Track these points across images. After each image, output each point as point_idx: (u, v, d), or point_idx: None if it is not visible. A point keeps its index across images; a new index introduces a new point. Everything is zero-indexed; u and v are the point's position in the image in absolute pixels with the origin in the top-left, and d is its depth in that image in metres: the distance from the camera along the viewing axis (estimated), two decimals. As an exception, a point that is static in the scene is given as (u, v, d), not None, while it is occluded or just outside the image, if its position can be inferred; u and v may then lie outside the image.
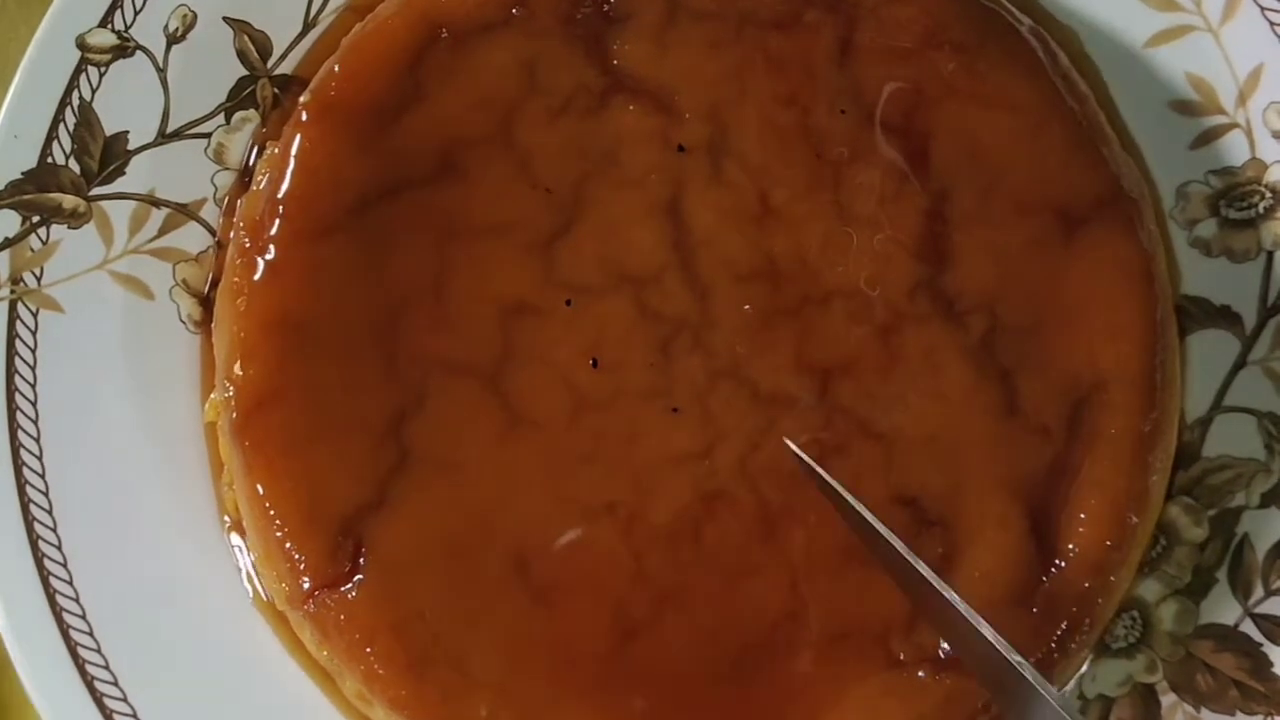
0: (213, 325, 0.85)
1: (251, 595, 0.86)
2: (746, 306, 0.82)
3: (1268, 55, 0.88)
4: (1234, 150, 0.89)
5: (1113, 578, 0.81)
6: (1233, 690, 0.85)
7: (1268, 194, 0.88)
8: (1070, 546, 0.80)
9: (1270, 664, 0.86)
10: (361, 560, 0.79)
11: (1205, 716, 0.85)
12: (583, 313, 0.81)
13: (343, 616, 0.79)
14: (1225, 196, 0.89)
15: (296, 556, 0.79)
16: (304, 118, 0.82)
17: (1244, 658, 0.86)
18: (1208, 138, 0.89)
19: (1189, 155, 0.89)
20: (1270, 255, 0.88)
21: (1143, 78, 0.89)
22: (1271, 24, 0.88)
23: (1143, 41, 0.89)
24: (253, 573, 0.86)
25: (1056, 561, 0.80)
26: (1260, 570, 0.86)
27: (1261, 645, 0.86)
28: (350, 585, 0.79)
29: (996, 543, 0.80)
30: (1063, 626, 0.80)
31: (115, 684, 0.85)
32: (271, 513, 0.80)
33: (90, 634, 0.85)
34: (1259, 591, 0.87)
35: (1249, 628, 0.86)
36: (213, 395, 0.86)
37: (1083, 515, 0.81)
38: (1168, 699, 0.86)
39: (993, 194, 0.83)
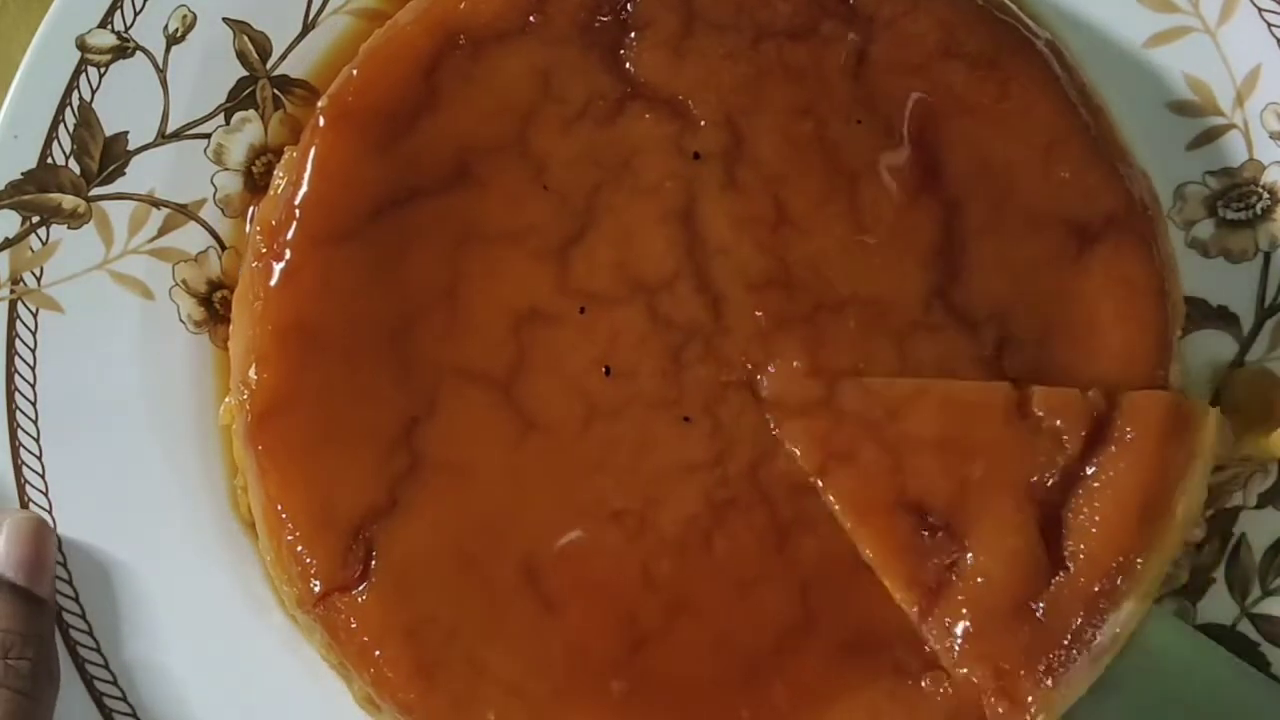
0: (230, 329, 0.85)
1: (257, 595, 0.86)
2: (759, 313, 0.82)
3: (1265, 56, 0.88)
4: (1232, 151, 0.89)
5: (1122, 583, 0.80)
6: (1230, 689, 0.86)
7: (1265, 195, 0.89)
8: (1080, 548, 0.80)
9: (1268, 664, 0.86)
10: (372, 564, 0.79)
11: (1203, 715, 0.86)
12: (596, 320, 0.81)
13: (352, 620, 0.79)
14: (1223, 197, 0.89)
15: (308, 560, 0.80)
16: (321, 123, 0.82)
17: (1241, 658, 0.86)
18: (1205, 138, 0.89)
19: (1187, 156, 0.89)
20: (1268, 256, 0.89)
21: (1140, 78, 0.89)
22: (1269, 25, 0.88)
23: (1140, 42, 0.89)
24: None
25: (1066, 566, 0.80)
26: (1258, 570, 0.87)
27: (1259, 645, 0.86)
28: (360, 589, 0.79)
29: (1004, 548, 0.80)
30: (1069, 632, 0.79)
31: (114, 683, 0.85)
32: (283, 516, 0.80)
33: (90, 633, 0.85)
34: (1256, 591, 0.87)
35: (1246, 628, 0.87)
36: (227, 399, 0.86)
37: (1097, 519, 0.80)
38: (1166, 698, 0.86)
39: (1005, 207, 0.83)
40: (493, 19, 0.83)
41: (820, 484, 0.81)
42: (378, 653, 0.79)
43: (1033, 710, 0.79)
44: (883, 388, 0.81)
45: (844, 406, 0.81)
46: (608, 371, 0.81)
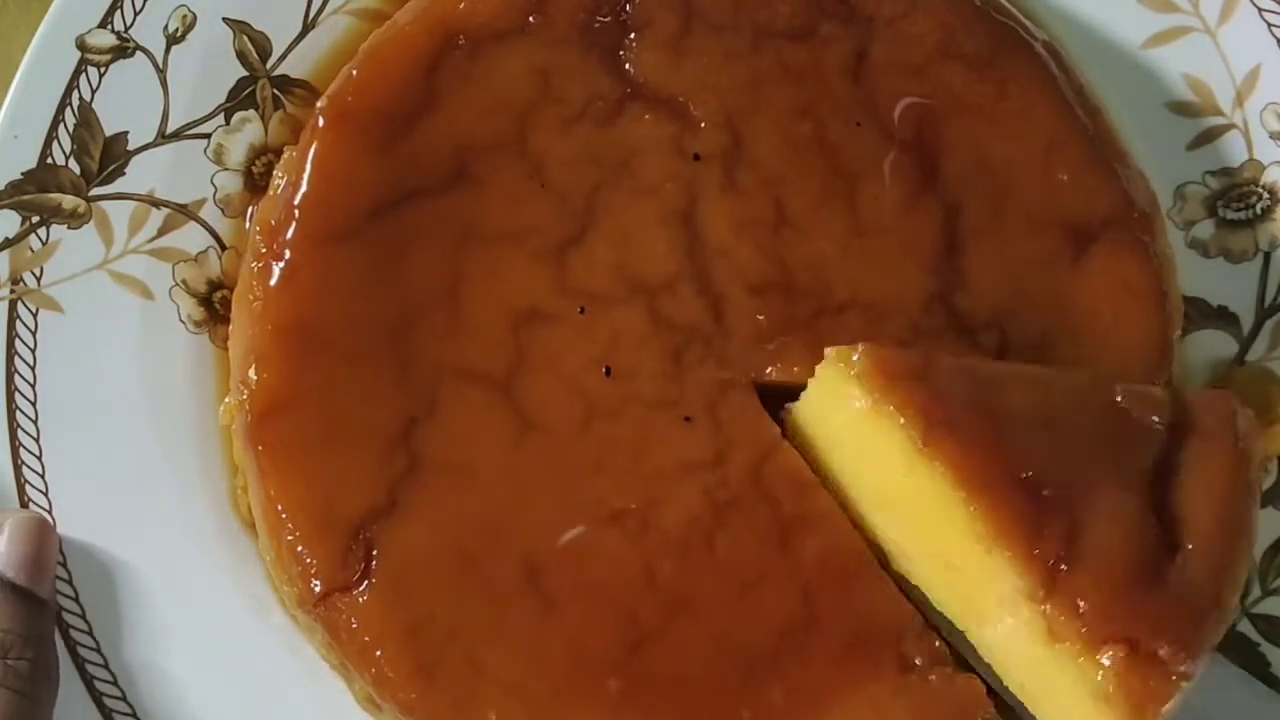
0: (229, 329, 0.85)
1: (257, 595, 0.86)
2: (760, 317, 0.82)
3: (1265, 56, 0.89)
4: (1231, 151, 0.89)
5: (1235, 572, 0.78)
6: (1231, 689, 0.86)
7: (1265, 195, 0.89)
8: (1190, 532, 0.78)
9: (1267, 663, 0.86)
10: (372, 564, 0.80)
11: (1204, 715, 0.86)
12: (596, 320, 0.82)
13: (353, 620, 0.80)
14: (1223, 197, 0.89)
15: (308, 560, 0.80)
16: (320, 123, 0.82)
17: (1241, 658, 0.86)
18: (1205, 138, 0.89)
19: (1187, 156, 0.90)
20: (1267, 256, 0.89)
21: (1140, 79, 0.90)
22: (1269, 25, 0.88)
23: (1140, 42, 0.90)
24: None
25: (1183, 544, 0.77)
26: (1258, 570, 0.87)
27: (1259, 645, 0.86)
28: (361, 589, 0.80)
29: (1121, 523, 0.77)
30: (1198, 604, 0.77)
31: (114, 683, 0.85)
32: (283, 516, 0.80)
33: (90, 633, 0.85)
34: (1256, 591, 0.87)
35: (1246, 628, 0.87)
36: (227, 399, 0.86)
37: (1199, 505, 0.78)
38: (1166, 698, 0.86)
39: (1004, 209, 0.84)
40: (492, 19, 0.83)
41: (925, 452, 0.77)
42: (378, 653, 0.79)
43: (1175, 678, 0.76)
44: (980, 364, 0.80)
45: (942, 380, 0.78)
46: (608, 371, 0.81)
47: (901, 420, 0.77)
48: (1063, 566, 0.77)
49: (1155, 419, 0.79)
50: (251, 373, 0.81)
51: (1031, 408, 0.79)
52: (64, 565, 0.85)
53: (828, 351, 0.80)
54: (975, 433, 0.77)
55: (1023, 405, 0.79)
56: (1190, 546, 0.77)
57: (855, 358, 0.78)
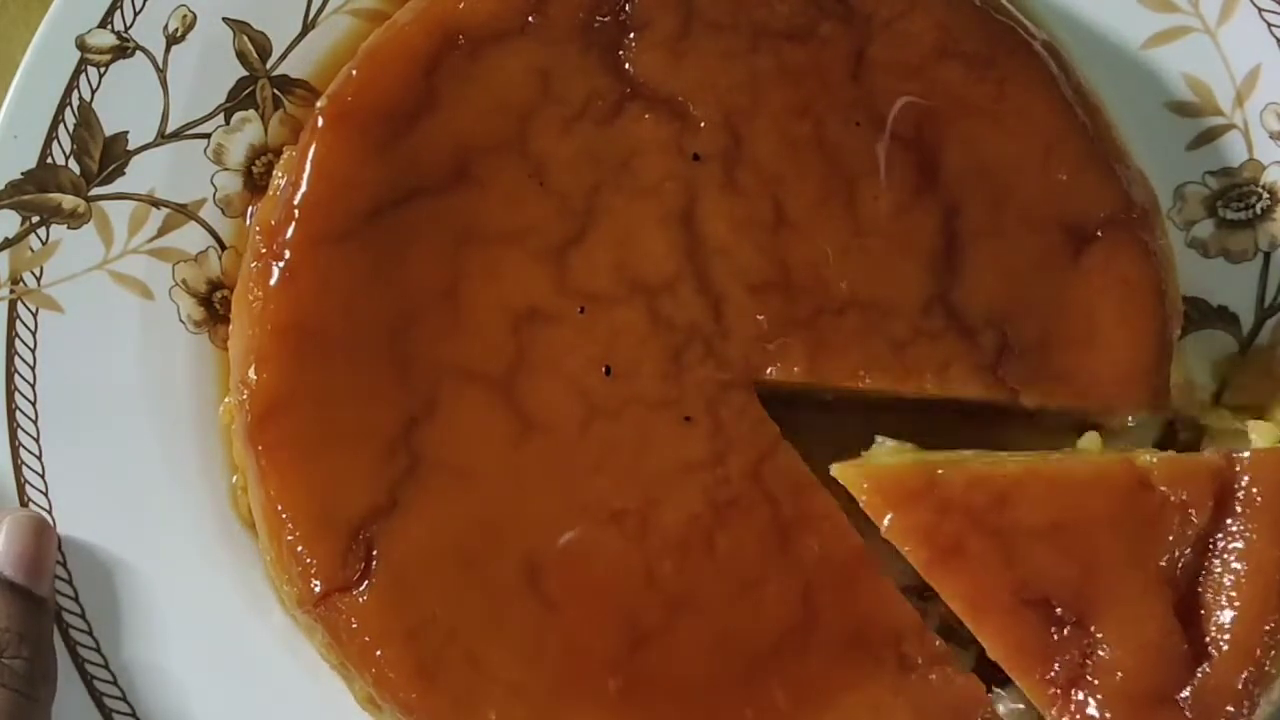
0: (229, 329, 0.85)
1: (257, 595, 0.86)
2: (760, 317, 0.82)
3: (1265, 56, 0.88)
4: (1231, 151, 0.89)
5: (1270, 666, 0.77)
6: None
7: (1265, 195, 0.89)
8: (1223, 631, 0.77)
9: (1269, 664, 0.86)
10: (372, 564, 0.80)
11: None
12: (595, 320, 0.82)
13: (353, 620, 0.80)
14: (1223, 197, 0.89)
15: (308, 560, 0.80)
16: (320, 123, 0.82)
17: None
18: (1205, 138, 0.89)
19: (1186, 156, 0.89)
20: (1267, 256, 0.89)
21: (1140, 79, 0.89)
22: (1269, 25, 0.88)
23: (1140, 42, 0.89)
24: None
25: (1209, 653, 0.77)
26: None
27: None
28: (361, 589, 0.80)
29: (1140, 639, 0.77)
30: None
31: (114, 683, 0.85)
32: (284, 516, 0.80)
33: (90, 633, 0.85)
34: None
35: None
36: (227, 399, 0.86)
37: (1235, 595, 0.77)
38: (1167, 699, 0.86)
39: (1004, 209, 0.84)
40: (491, 19, 0.83)
41: (931, 580, 0.79)
42: (379, 653, 0.79)
43: None
44: (987, 470, 0.79)
45: (947, 495, 0.79)
46: (608, 371, 0.81)
47: (906, 548, 0.79)
48: (1075, 693, 0.77)
49: (1195, 501, 0.78)
50: (251, 373, 0.81)
51: (1045, 514, 0.79)
52: (64, 565, 0.85)
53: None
54: (981, 557, 0.78)
55: (1035, 513, 0.79)
56: (1219, 652, 0.77)
57: (858, 479, 0.80)
